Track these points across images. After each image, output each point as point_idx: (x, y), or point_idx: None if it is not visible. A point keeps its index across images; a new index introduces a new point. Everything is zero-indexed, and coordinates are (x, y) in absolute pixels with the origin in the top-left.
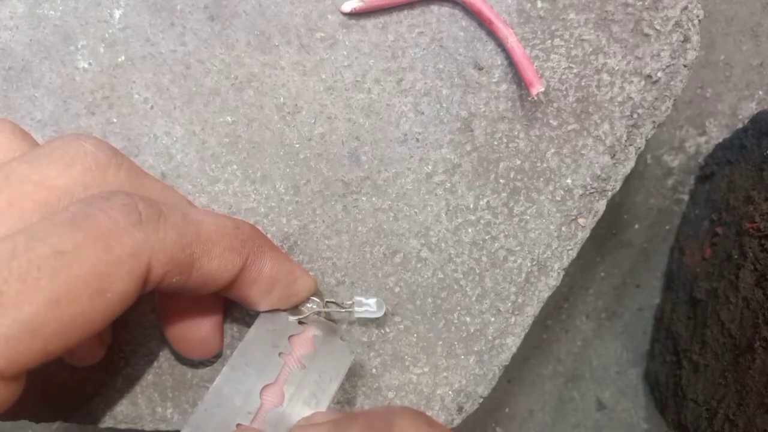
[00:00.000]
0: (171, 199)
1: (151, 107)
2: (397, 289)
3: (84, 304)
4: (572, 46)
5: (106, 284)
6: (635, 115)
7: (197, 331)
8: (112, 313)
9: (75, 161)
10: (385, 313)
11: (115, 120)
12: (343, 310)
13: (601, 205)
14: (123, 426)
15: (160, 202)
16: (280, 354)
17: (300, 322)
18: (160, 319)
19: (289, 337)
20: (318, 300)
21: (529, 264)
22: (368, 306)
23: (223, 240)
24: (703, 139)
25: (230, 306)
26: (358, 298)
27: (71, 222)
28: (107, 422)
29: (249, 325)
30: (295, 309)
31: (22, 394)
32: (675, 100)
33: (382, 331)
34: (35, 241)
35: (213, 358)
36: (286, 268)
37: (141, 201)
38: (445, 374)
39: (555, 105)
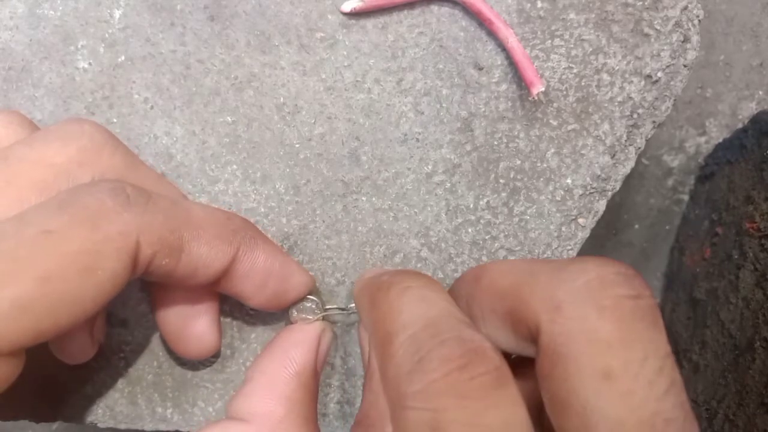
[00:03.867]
0: (164, 189)
1: (151, 107)
2: None
3: (74, 282)
4: (572, 46)
5: (94, 262)
6: (635, 115)
7: (192, 327)
8: (104, 293)
9: (71, 139)
10: None
11: (115, 120)
12: (344, 312)
13: (601, 205)
14: (123, 426)
15: (149, 187)
16: None
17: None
18: (156, 316)
19: None
20: (316, 299)
21: None
22: None
23: (213, 227)
24: (703, 139)
25: (230, 306)
26: None
27: (59, 206)
28: (107, 422)
29: (249, 325)
30: (294, 309)
31: (23, 393)
32: (675, 100)
33: None
34: (23, 224)
35: (212, 358)
36: (279, 261)
37: (129, 185)
38: None
39: (555, 105)
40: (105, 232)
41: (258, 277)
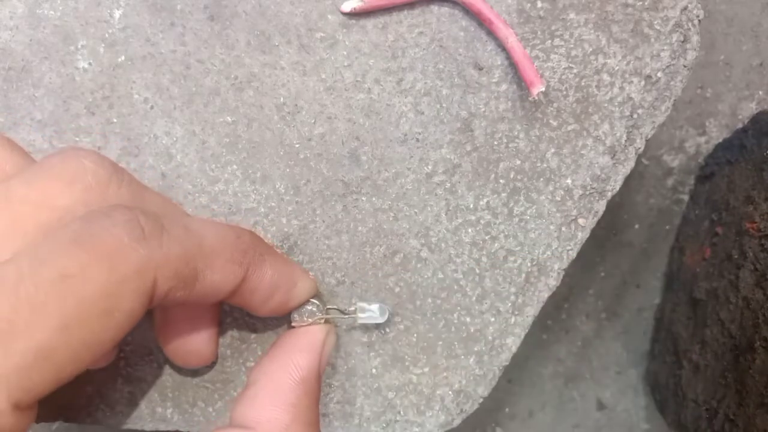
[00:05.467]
0: (171, 212)
1: (151, 107)
2: (397, 290)
3: (93, 326)
4: (572, 46)
5: (113, 304)
6: (635, 116)
7: (192, 342)
8: (121, 332)
9: (75, 179)
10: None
11: (115, 120)
12: (346, 317)
13: (601, 206)
14: (123, 426)
15: (161, 215)
16: None
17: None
18: (156, 329)
19: None
20: (317, 302)
21: (529, 264)
22: (371, 312)
23: (225, 251)
24: (703, 139)
25: (230, 306)
26: (360, 304)
27: (74, 241)
28: (107, 422)
29: (249, 325)
30: (295, 312)
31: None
32: (675, 100)
33: (382, 332)
34: (40, 264)
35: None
36: (286, 273)
37: (143, 215)
38: (445, 374)
39: (555, 105)
40: (123, 273)
41: (265, 291)
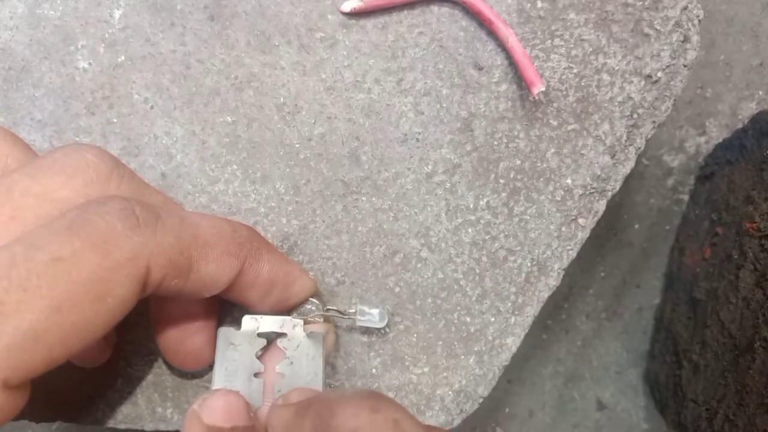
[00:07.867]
0: (168, 206)
1: (151, 107)
2: (397, 289)
3: (85, 310)
4: (572, 46)
5: (105, 289)
6: (635, 115)
7: (190, 343)
8: (114, 318)
9: (76, 173)
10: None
11: (115, 120)
12: (345, 317)
13: (601, 205)
14: (123, 426)
15: (157, 206)
16: (256, 375)
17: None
18: (154, 329)
19: (259, 356)
20: (317, 302)
21: (529, 264)
22: (371, 316)
23: (221, 243)
24: (703, 139)
25: (230, 305)
26: (361, 307)
27: (69, 228)
28: (107, 422)
29: None
30: (295, 311)
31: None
32: (675, 100)
33: (382, 332)
34: (33, 249)
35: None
36: (284, 270)
37: (138, 205)
38: (445, 374)
39: (555, 105)
40: (116, 259)
41: (262, 286)
